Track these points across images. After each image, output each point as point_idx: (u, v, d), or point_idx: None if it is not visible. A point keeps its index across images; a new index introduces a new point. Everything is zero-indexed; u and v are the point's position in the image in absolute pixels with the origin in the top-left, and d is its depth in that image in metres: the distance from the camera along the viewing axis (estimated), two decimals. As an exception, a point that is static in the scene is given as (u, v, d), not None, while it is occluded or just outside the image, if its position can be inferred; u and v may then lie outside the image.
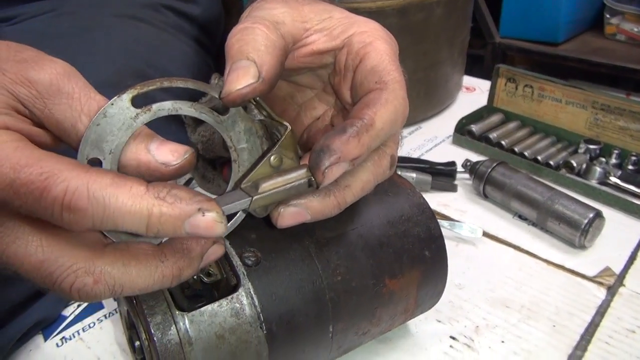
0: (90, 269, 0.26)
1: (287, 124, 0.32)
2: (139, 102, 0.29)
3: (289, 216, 0.32)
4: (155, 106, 0.29)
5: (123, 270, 0.27)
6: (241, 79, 0.30)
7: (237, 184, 0.33)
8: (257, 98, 0.31)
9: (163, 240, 0.30)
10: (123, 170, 0.30)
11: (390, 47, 0.35)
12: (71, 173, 0.25)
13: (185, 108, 0.30)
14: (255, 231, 0.37)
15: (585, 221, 0.58)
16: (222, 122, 0.32)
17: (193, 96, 0.33)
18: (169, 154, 0.29)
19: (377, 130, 0.31)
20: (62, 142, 0.30)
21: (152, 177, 0.29)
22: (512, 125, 0.84)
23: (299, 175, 0.32)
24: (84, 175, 0.25)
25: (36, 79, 0.28)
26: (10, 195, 0.24)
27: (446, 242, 0.43)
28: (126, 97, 0.29)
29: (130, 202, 0.25)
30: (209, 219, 0.26)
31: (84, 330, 0.51)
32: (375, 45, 0.35)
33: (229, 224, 0.33)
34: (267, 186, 0.31)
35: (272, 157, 0.32)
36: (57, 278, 0.26)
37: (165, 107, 0.30)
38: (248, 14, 0.35)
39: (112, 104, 0.29)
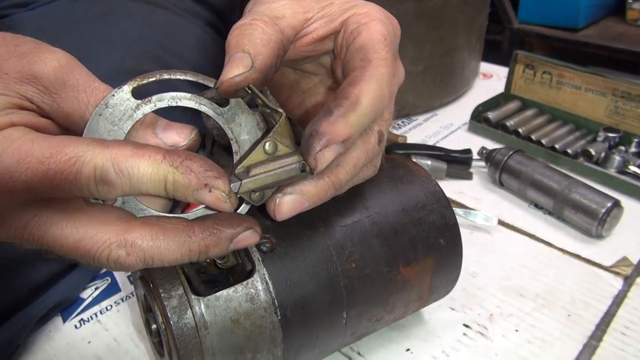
0: (122, 242, 0.28)
1: (282, 111, 0.32)
2: (138, 93, 0.30)
3: (286, 206, 0.32)
4: (155, 97, 0.30)
5: (152, 243, 0.28)
6: (234, 68, 0.30)
7: (232, 170, 0.33)
8: (252, 86, 0.31)
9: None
10: None
11: (386, 28, 0.35)
12: (94, 151, 0.26)
13: (184, 100, 0.31)
14: (270, 218, 0.37)
15: (603, 210, 0.58)
16: (222, 114, 0.32)
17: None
18: (175, 135, 0.31)
19: (364, 107, 0.31)
20: (69, 132, 0.31)
21: None
22: (529, 112, 0.83)
23: (290, 160, 0.31)
24: (106, 151, 0.26)
25: (40, 73, 0.28)
26: (46, 186, 0.26)
27: (461, 230, 0.43)
28: (127, 89, 0.29)
29: (150, 170, 0.27)
30: (214, 196, 0.28)
31: (101, 313, 0.52)
32: (370, 26, 0.35)
33: None
34: (257, 170, 0.31)
35: (266, 144, 0.32)
36: (94, 253, 0.28)
37: (165, 98, 0.30)
38: (250, 8, 0.35)
39: (114, 95, 0.29)
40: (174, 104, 0.30)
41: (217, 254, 0.31)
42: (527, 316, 0.50)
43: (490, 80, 1.01)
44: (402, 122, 0.87)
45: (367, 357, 0.47)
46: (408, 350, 0.47)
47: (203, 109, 0.31)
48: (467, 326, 0.50)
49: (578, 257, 0.58)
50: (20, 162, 0.26)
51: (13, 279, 0.47)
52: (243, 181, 0.30)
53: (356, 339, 0.42)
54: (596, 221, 0.58)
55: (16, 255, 0.46)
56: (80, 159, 0.26)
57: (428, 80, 0.85)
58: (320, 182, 0.32)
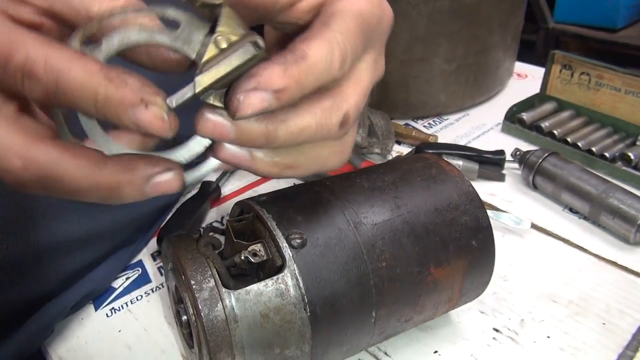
0: (23, 153, 0.25)
1: (221, 1, 0.28)
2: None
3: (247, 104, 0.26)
4: (104, 44, 0.27)
5: (54, 164, 0.26)
6: None
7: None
8: None
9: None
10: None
11: (369, 8, 0.31)
12: (34, 43, 0.25)
13: (134, 36, 0.28)
14: (301, 214, 0.37)
15: (642, 217, 0.56)
16: (178, 36, 0.29)
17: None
18: None
19: (310, 64, 0.27)
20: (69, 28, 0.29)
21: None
22: (565, 114, 0.81)
23: (240, 42, 0.27)
24: (46, 46, 0.25)
25: None
26: None
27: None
28: (76, 41, 0.27)
29: (81, 77, 0.24)
30: (150, 113, 0.25)
31: (132, 303, 0.53)
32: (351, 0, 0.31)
33: (174, 102, 0.27)
34: (210, 63, 0.27)
35: (218, 39, 0.28)
36: None
37: (114, 40, 0.27)
38: None
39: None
40: (125, 47, 0.28)
41: (131, 194, 0.27)
42: (559, 323, 0.49)
43: (524, 80, 0.99)
44: (434, 121, 0.86)
45: (394, 358, 0.46)
46: (436, 352, 0.47)
47: (157, 39, 0.28)
48: (497, 330, 0.49)
49: (614, 264, 0.56)
50: None
51: (48, 267, 0.48)
52: (197, 78, 0.27)
53: (384, 338, 0.42)
54: (634, 227, 0.56)
55: (51, 244, 0.47)
56: (17, 44, 0.24)
57: (461, 79, 0.83)
58: (251, 123, 0.27)
